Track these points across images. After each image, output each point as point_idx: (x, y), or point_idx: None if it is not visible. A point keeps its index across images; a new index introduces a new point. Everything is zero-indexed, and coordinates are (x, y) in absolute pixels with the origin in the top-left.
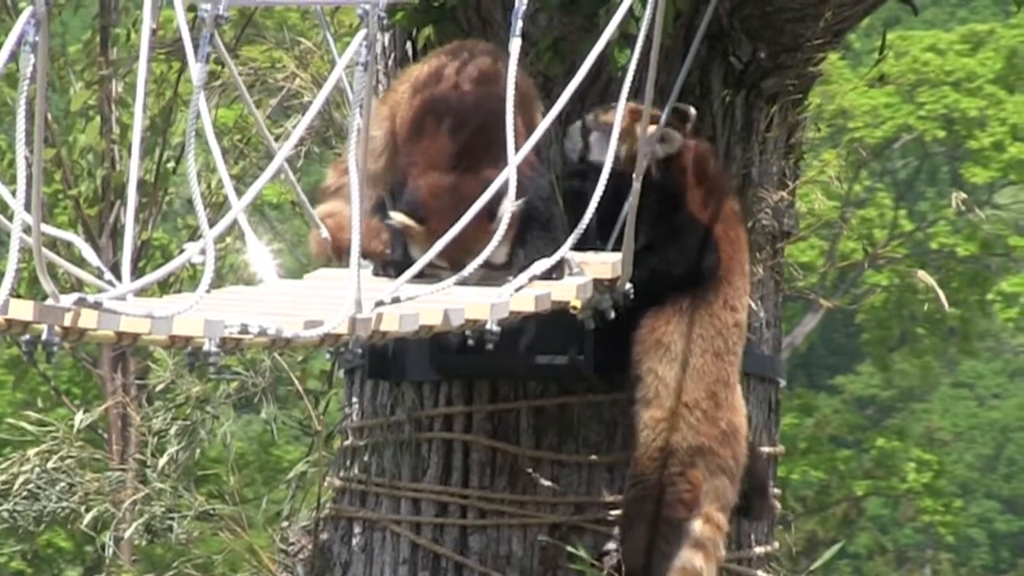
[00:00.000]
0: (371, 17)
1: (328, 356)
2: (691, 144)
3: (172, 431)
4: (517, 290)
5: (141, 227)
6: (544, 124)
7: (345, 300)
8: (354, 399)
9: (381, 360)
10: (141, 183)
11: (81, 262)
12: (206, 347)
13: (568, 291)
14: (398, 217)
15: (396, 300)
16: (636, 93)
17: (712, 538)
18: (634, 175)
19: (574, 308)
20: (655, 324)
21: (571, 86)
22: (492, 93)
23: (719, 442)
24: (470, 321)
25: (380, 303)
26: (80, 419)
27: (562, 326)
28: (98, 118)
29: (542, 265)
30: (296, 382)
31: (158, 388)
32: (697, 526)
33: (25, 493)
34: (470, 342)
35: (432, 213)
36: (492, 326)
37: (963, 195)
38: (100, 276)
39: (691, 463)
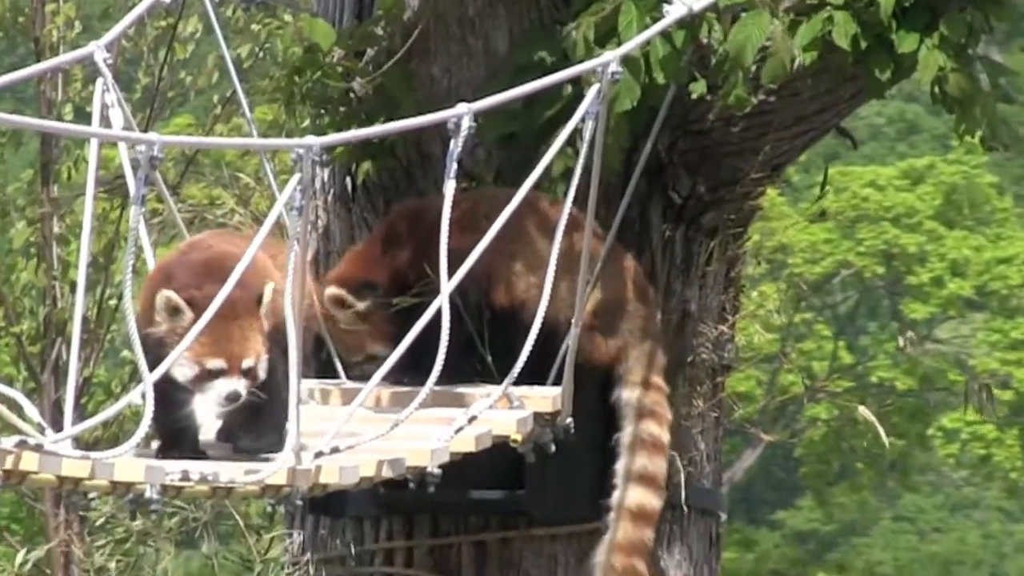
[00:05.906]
0: (305, 161)
1: (269, 506)
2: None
3: (113, 567)
4: (457, 431)
5: (83, 364)
6: (478, 250)
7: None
8: (295, 533)
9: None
10: (85, 321)
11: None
12: (147, 494)
13: (508, 426)
14: (170, 295)
15: (335, 450)
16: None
17: (659, 402)
18: (573, 320)
19: (515, 442)
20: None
21: (502, 218)
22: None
23: (637, 298)
24: (411, 468)
25: (319, 454)
26: (22, 557)
27: (503, 460)
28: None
29: (482, 405)
30: (238, 517)
31: (98, 522)
32: (637, 395)
33: None
34: (411, 485)
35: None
36: (433, 469)
37: (912, 334)
38: (41, 432)
39: (610, 328)
